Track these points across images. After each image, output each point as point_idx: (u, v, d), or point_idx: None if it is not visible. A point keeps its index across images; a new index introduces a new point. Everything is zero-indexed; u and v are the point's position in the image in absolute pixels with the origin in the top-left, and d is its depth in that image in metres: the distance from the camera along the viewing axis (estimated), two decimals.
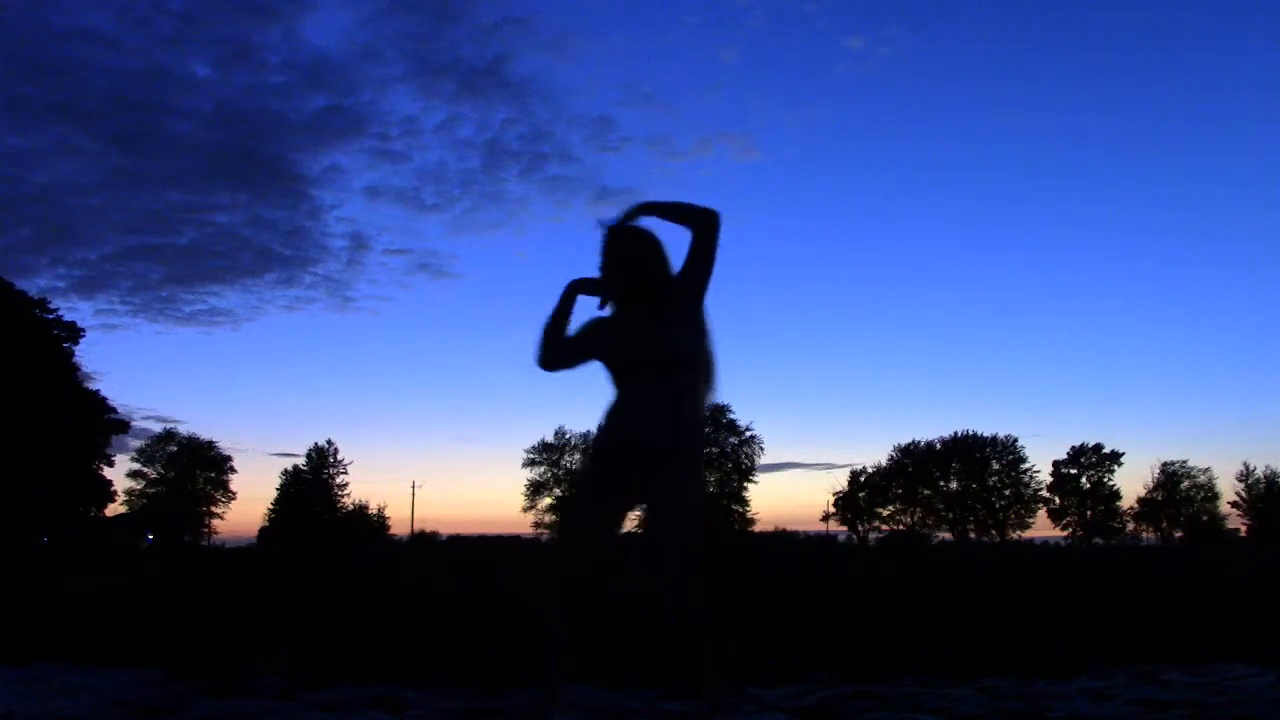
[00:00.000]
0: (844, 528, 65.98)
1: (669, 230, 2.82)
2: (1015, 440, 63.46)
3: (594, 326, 2.84)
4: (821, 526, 66.77)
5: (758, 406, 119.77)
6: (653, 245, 2.80)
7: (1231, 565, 15.35)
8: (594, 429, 2.81)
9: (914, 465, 64.11)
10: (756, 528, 61.32)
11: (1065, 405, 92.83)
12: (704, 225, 2.74)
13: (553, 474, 61.67)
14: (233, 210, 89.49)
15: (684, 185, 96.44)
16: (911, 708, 3.09)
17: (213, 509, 62.73)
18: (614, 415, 2.73)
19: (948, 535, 63.41)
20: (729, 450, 61.18)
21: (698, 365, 2.71)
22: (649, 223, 2.83)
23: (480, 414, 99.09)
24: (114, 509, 50.86)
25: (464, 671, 3.72)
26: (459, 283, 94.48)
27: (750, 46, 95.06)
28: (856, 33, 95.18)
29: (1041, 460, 71.99)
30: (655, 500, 2.63)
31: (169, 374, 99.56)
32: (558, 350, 2.83)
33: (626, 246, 2.78)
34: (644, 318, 2.74)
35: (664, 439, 2.61)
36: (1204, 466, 64.88)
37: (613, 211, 2.83)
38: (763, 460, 62.46)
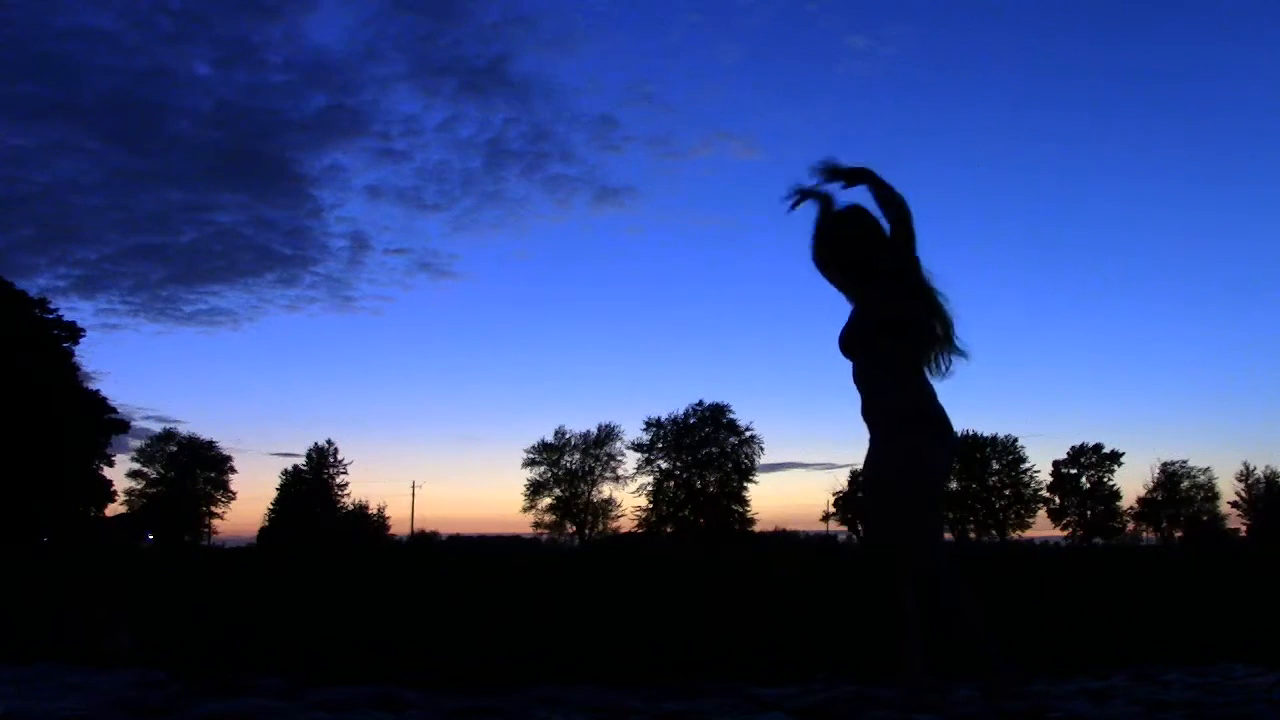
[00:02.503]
0: (844, 528, 65.89)
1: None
2: (1015, 440, 63.40)
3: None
4: (821, 526, 66.75)
5: (758, 406, 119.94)
6: (868, 227, 2.89)
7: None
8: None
9: None
10: (757, 527, 61.33)
11: (1065, 405, 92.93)
12: (902, 215, 2.82)
13: (553, 474, 61.56)
14: (233, 210, 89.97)
15: (685, 185, 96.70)
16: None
17: (213, 509, 62.71)
18: None
19: (948, 535, 63.26)
20: (729, 450, 61.14)
21: (871, 348, 2.84)
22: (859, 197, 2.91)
23: (480, 414, 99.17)
24: (114, 509, 50.91)
25: (464, 671, 3.72)
26: (460, 283, 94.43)
27: (751, 46, 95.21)
28: (858, 31, 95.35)
29: (1041, 460, 71.68)
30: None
31: (169, 374, 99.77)
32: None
33: (842, 226, 2.91)
34: (857, 302, 2.91)
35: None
36: (1204, 466, 64.71)
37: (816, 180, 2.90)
38: (763, 460, 62.41)
